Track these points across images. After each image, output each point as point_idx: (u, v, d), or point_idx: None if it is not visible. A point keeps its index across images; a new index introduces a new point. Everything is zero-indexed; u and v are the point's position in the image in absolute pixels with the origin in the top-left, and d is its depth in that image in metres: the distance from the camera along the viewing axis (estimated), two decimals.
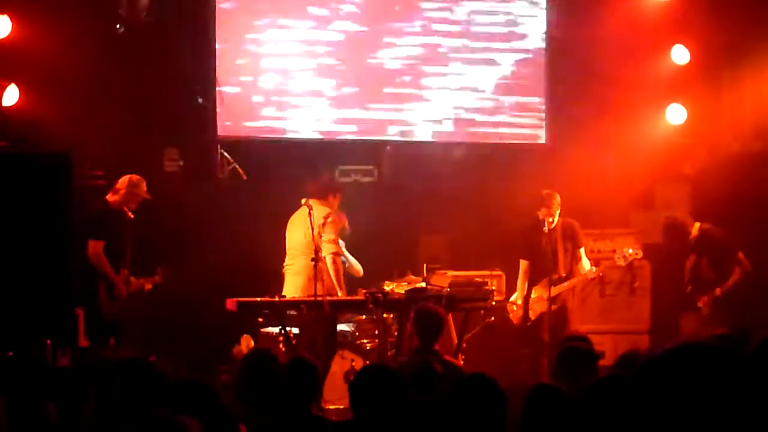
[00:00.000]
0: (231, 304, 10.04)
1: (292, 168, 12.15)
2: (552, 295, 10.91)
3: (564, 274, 11.09)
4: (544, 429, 4.96)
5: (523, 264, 11.24)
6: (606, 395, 4.38)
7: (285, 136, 12.26)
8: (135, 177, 10.71)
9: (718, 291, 11.10)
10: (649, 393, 2.11)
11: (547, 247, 10.98)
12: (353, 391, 5.56)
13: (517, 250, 11.34)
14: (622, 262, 11.33)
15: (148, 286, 10.78)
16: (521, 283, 11.24)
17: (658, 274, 12.22)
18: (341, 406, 9.46)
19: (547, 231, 10.93)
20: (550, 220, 10.96)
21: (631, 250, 11.33)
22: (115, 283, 10.45)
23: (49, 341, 8.14)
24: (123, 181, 10.64)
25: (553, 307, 10.97)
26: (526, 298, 11.13)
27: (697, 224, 11.30)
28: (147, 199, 10.67)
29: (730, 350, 2.14)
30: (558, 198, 11.01)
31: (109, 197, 10.58)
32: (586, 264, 11.20)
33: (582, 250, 11.23)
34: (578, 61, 12.63)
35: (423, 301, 9.44)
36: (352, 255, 11.11)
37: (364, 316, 10.61)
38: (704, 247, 11.24)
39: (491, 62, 12.80)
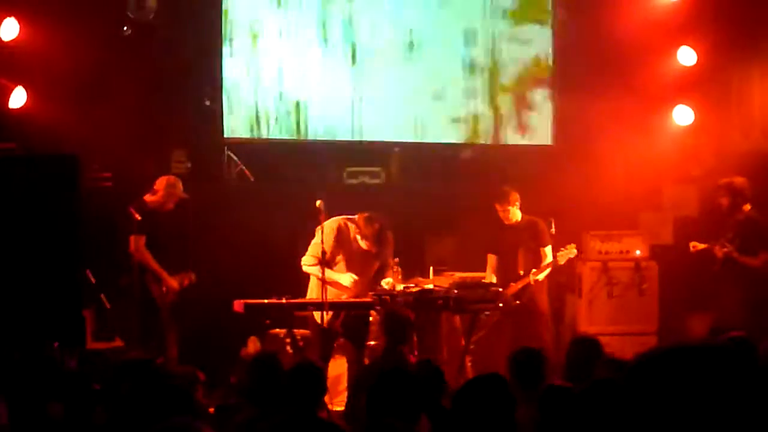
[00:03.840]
0: (238, 305, 10.05)
1: (299, 170, 12.15)
2: (511, 292, 10.95)
3: (521, 273, 11.12)
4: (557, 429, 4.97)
5: (491, 258, 11.33)
6: (595, 400, 4.39)
7: (292, 137, 12.26)
8: (171, 177, 10.95)
9: (736, 254, 11.08)
10: (639, 394, 2.10)
11: (509, 244, 11.11)
12: (370, 394, 5.55)
13: (485, 244, 11.49)
14: (562, 261, 11.24)
15: (186, 283, 10.88)
16: (488, 278, 11.32)
17: (665, 275, 12.21)
18: None
19: (509, 227, 11.09)
20: (507, 216, 11.12)
21: (564, 250, 11.21)
22: (161, 274, 10.59)
23: (56, 343, 8.16)
24: (160, 182, 10.83)
25: (516, 302, 11.00)
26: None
27: (748, 205, 11.28)
28: (184, 198, 10.85)
29: (723, 349, 2.12)
30: (516, 195, 11.14)
31: (148, 198, 10.72)
32: (549, 263, 11.19)
33: (548, 249, 11.18)
34: (585, 62, 12.61)
35: (392, 305, 9.63)
36: None
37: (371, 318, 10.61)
38: (746, 227, 11.19)
39: (498, 64, 12.78)
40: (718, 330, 7.92)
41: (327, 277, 10.14)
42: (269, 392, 6.26)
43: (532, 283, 11.01)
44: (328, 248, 10.14)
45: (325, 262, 10.13)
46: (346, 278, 10.14)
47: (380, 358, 8.82)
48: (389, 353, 8.57)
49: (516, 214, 11.22)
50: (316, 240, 10.16)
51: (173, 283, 10.72)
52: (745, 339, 6.73)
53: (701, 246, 11.36)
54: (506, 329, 11.20)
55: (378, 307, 10.03)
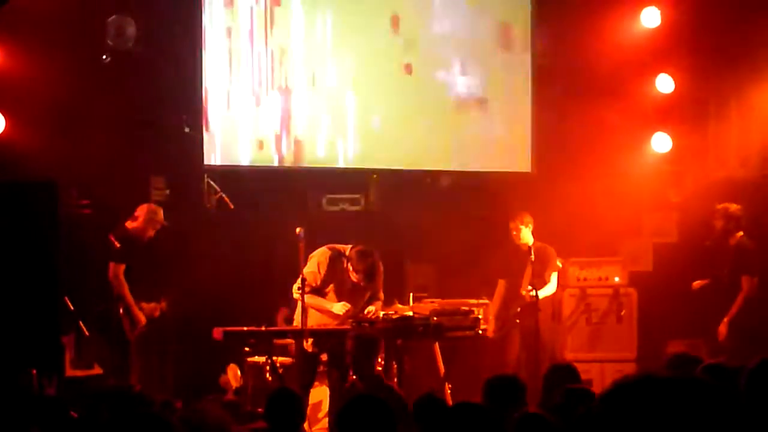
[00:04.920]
0: (217, 333, 10.00)
1: (279, 197, 12.14)
2: (513, 312, 11.09)
3: (523, 293, 11.23)
4: None
5: (500, 284, 11.46)
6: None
7: (272, 165, 12.25)
8: (153, 205, 11.01)
9: (726, 320, 11.13)
10: (610, 426, 2.09)
11: (516, 267, 11.32)
12: (341, 421, 5.53)
13: (496, 269, 11.67)
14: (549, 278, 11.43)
15: (157, 313, 10.84)
16: (495, 302, 11.43)
17: (644, 302, 12.24)
18: None
19: (518, 251, 11.32)
20: (518, 235, 11.37)
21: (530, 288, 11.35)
22: (131, 308, 10.55)
23: (35, 370, 8.12)
24: (141, 208, 10.88)
25: (518, 321, 11.24)
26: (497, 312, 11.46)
27: (741, 232, 11.33)
28: (164, 225, 10.86)
29: (690, 380, 2.11)
30: (528, 218, 11.43)
31: (129, 224, 10.73)
32: (548, 288, 11.31)
33: (553, 275, 11.33)
34: (564, 89, 12.67)
35: (357, 330, 9.75)
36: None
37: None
38: (736, 253, 11.25)
39: (477, 90, 12.82)
40: (679, 358, 7.90)
41: (318, 304, 10.15)
42: None
43: (527, 299, 11.07)
44: (320, 277, 10.16)
45: (317, 290, 10.14)
46: (339, 307, 10.14)
47: (359, 384, 8.82)
48: (368, 378, 8.63)
49: (526, 236, 11.40)
50: (311, 268, 10.16)
51: (140, 316, 10.68)
52: (723, 367, 6.71)
53: (703, 282, 11.48)
54: (486, 355, 11.26)
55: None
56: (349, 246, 10.28)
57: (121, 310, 10.58)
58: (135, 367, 10.64)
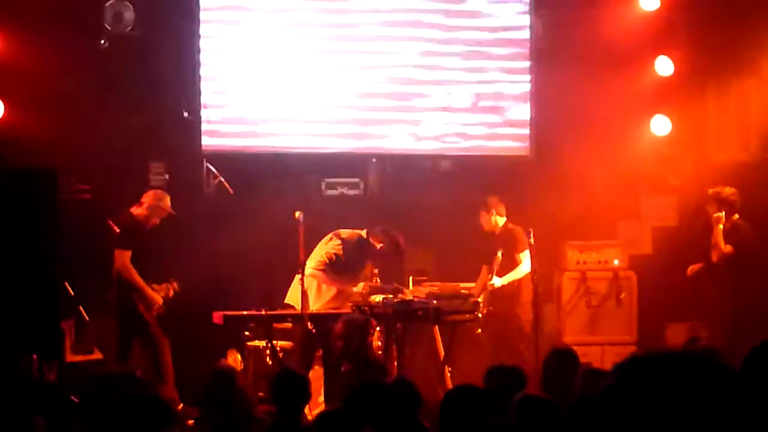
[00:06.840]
0: (217, 317, 10.04)
1: (278, 182, 12.15)
2: (479, 297, 11.07)
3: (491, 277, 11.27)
4: None
5: (483, 269, 11.58)
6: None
7: (271, 149, 12.25)
8: (159, 192, 10.93)
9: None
10: (620, 404, 2.09)
11: (490, 252, 11.33)
12: (347, 407, 5.54)
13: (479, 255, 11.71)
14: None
15: (171, 293, 10.85)
16: (477, 287, 11.51)
17: (644, 285, 12.24)
18: None
19: (491, 236, 11.49)
20: (485, 222, 11.56)
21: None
22: (144, 291, 10.56)
23: (35, 356, 8.14)
24: (148, 195, 10.86)
25: (491, 308, 11.16)
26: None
27: (736, 215, 11.30)
28: (171, 214, 10.81)
29: (702, 357, 2.12)
30: (492, 203, 11.57)
31: (134, 210, 10.73)
32: (519, 270, 11.31)
33: (521, 255, 11.26)
34: (563, 72, 12.63)
35: (349, 313, 9.86)
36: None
37: None
38: (732, 234, 11.22)
39: (476, 74, 12.79)
40: (695, 339, 7.97)
41: (341, 282, 10.50)
42: (229, 406, 6.27)
43: (488, 288, 11.09)
44: (344, 257, 10.45)
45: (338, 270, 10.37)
46: (362, 286, 10.40)
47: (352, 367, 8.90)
48: (362, 362, 8.69)
49: (493, 221, 11.50)
50: (326, 254, 10.34)
51: (156, 298, 10.68)
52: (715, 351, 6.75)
53: (697, 266, 11.44)
54: (485, 339, 11.26)
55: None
56: (364, 230, 10.52)
57: (134, 296, 10.59)
58: (165, 348, 10.66)
